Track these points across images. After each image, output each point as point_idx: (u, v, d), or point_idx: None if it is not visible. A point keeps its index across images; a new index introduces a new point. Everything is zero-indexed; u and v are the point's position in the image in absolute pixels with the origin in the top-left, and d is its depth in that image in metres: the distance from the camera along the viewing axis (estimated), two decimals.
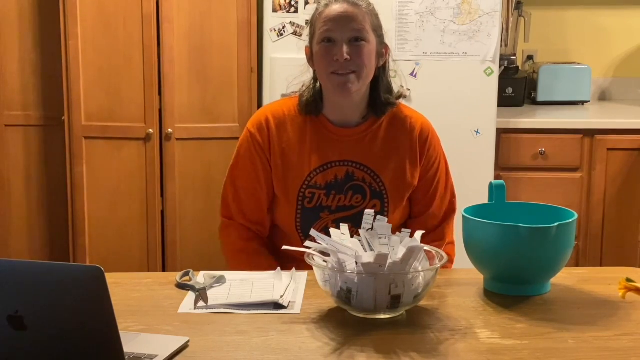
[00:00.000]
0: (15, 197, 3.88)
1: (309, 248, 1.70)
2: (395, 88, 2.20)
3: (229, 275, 1.90)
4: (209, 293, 1.78)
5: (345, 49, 2.02)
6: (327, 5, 2.07)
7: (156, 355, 1.43)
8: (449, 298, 1.76)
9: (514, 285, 1.77)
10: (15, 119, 3.82)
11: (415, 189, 2.16)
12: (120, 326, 1.34)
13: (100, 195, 3.63)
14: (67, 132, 3.60)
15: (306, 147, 2.12)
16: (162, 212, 3.63)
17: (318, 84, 2.14)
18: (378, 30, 2.09)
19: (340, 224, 1.81)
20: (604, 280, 1.87)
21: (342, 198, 2.09)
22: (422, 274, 1.63)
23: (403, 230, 1.75)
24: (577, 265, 3.55)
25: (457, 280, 1.89)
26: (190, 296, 1.77)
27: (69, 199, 3.65)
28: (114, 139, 3.59)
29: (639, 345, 1.52)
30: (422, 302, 1.70)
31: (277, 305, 1.70)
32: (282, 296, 1.74)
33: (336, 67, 2.04)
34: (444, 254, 1.70)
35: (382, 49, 2.11)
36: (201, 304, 1.72)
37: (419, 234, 1.75)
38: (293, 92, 2.19)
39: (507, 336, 1.55)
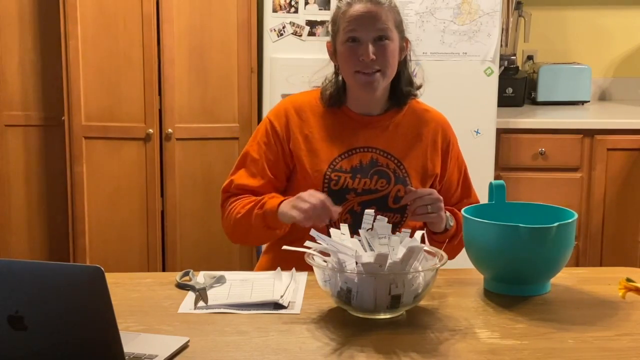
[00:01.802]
0: (15, 197, 3.88)
1: (309, 248, 1.70)
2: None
3: (229, 275, 1.90)
4: (209, 293, 1.78)
5: (370, 48, 2.04)
6: (350, 5, 2.08)
7: (156, 355, 1.43)
8: (449, 298, 1.76)
9: (514, 285, 1.77)
10: (15, 119, 3.82)
11: (449, 183, 2.20)
12: (120, 326, 1.34)
13: (100, 195, 3.63)
14: (67, 132, 3.60)
15: (330, 134, 2.13)
16: (162, 212, 3.64)
17: (340, 78, 2.16)
18: (400, 26, 2.12)
19: (341, 224, 1.81)
20: (604, 280, 1.87)
21: (367, 182, 2.10)
22: (422, 274, 1.63)
23: (403, 230, 1.75)
24: (577, 265, 3.55)
25: (457, 280, 1.89)
26: (190, 296, 1.77)
27: (69, 199, 3.65)
28: (114, 139, 3.59)
29: (639, 345, 1.52)
30: (422, 302, 1.70)
31: (277, 305, 1.70)
32: (282, 296, 1.74)
33: (361, 67, 2.06)
34: (444, 254, 1.70)
35: (403, 43, 2.14)
36: (201, 304, 1.72)
37: (419, 233, 1.76)
38: (315, 87, 2.21)
39: (507, 336, 1.55)
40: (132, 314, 1.67)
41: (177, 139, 3.58)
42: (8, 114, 3.82)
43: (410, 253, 1.60)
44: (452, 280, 1.88)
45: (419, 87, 2.22)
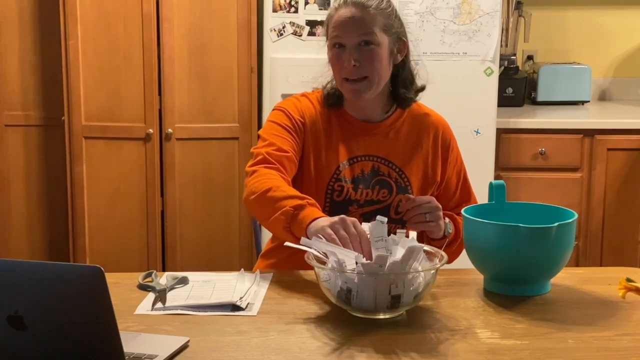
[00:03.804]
0: (15, 197, 3.88)
1: (310, 248, 1.70)
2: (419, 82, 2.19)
3: (192, 276, 1.88)
4: (171, 294, 1.77)
5: (353, 55, 2.01)
6: (336, 9, 2.06)
7: (156, 355, 1.43)
8: (449, 298, 1.76)
9: (514, 285, 1.77)
10: (15, 119, 3.82)
11: (448, 187, 2.18)
12: (120, 326, 1.34)
13: (100, 195, 3.63)
14: (67, 132, 3.60)
15: (333, 141, 2.11)
16: (162, 212, 3.64)
17: None
18: (391, 28, 2.06)
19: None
20: (604, 280, 1.87)
21: (369, 192, 2.09)
22: (422, 274, 1.63)
23: (398, 231, 1.75)
24: (577, 265, 3.55)
25: (457, 280, 1.89)
26: (150, 297, 1.76)
27: (69, 199, 3.65)
28: (114, 139, 3.60)
29: (639, 345, 1.52)
30: (422, 302, 1.70)
31: (234, 307, 1.69)
32: (241, 298, 1.73)
33: (347, 74, 2.04)
34: (444, 254, 1.70)
35: (399, 46, 2.10)
36: (159, 305, 1.71)
37: (413, 234, 1.75)
38: (315, 88, 2.19)
39: (507, 336, 1.55)
40: (132, 314, 1.67)
41: (177, 139, 3.58)
42: (8, 114, 3.82)
43: (410, 253, 1.60)
44: (452, 280, 1.88)
45: (420, 89, 2.18)
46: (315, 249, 1.69)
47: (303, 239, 1.71)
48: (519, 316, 1.65)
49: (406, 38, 2.12)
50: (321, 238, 1.69)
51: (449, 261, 2.14)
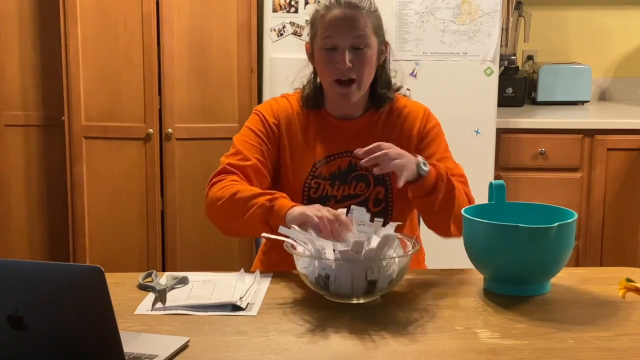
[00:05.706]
0: (15, 197, 3.88)
1: (287, 237, 1.73)
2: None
3: (192, 276, 1.89)
4: (171, 294, 1.77)
5: (347, 56, 2.01)
6: (328, 9, 2.05)
7: (156, 355, 1.43)
8: (449, 298, 1.76)
9: (514, 285, 1.77)
10: (15, 119, 3.82)
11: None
12: (120, 326, 1.34)
13: (100, 195, 3.63)
14: (67, 132, 3.60)
15: (310, 140, 2.12)
16: (162, 212, 3.64)
17: (318, 80, 2.14)
18: (379, 30, 2.08)
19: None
20: (604, 280, 1.87)
21: (346, 188, 2.10)
22: (396, 261, 1.69)
23: (375, 219, 1.78)
24: (577, 265, 3.55)
25: (457, 280, 1.89)
26: (150, 297, 1.76)
27: (69, 199, 3.65)
28: (114, 139, 3.60)
29: (639, 345, 1.52)
30: (423, 303, 1.71)
31: (234, 307, 1.69)
32: (241, 297, 1.73)
33: (338, 75, 2.04)
34: (417, 242, 1.77)
35: (383, 47, 2.11)
36: (159, 305, 1.71)
37: (392, 225, 1.79)
38: (296, 89, 2.20)
39: (507, 336, 1.55)
40: (132, 314, 1.67)
41: (177, 139, 3.58)
42: (8, 114, 3.82)
43: (385, 241, 1.67)
44: (452, 280, 1.88)
45: (397, 89, 2.19)
46: (293, 238, 1.73)
47: (281, 228, 1.75)
48: (519, 316, 1.65)
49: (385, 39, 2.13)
50: (296, 227, 1.75)
51: (444, 226, 2.00)
